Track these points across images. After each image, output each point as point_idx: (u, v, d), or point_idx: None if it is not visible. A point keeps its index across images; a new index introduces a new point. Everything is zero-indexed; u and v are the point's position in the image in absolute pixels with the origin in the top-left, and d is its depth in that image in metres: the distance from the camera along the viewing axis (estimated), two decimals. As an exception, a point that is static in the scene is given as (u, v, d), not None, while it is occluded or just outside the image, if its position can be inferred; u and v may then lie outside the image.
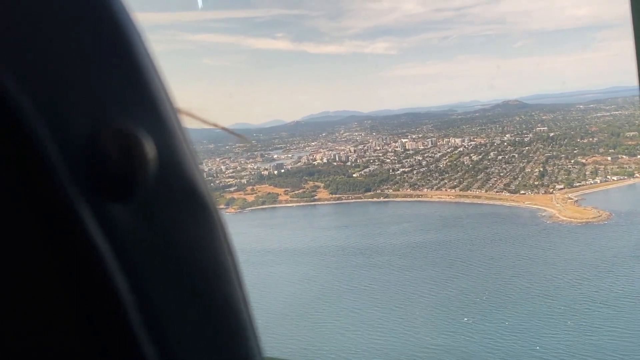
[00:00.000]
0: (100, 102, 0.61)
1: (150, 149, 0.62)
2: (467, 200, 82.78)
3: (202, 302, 0.69)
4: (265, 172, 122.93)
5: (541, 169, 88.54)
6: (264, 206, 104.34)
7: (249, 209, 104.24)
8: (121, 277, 0.58)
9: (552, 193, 76.10)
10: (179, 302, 0.66)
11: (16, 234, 0.54)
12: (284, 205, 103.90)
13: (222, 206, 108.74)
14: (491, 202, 79.71)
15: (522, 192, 79.44)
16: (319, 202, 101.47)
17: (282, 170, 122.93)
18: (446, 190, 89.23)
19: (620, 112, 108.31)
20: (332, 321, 51.55)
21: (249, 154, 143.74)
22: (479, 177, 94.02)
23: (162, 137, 0.65)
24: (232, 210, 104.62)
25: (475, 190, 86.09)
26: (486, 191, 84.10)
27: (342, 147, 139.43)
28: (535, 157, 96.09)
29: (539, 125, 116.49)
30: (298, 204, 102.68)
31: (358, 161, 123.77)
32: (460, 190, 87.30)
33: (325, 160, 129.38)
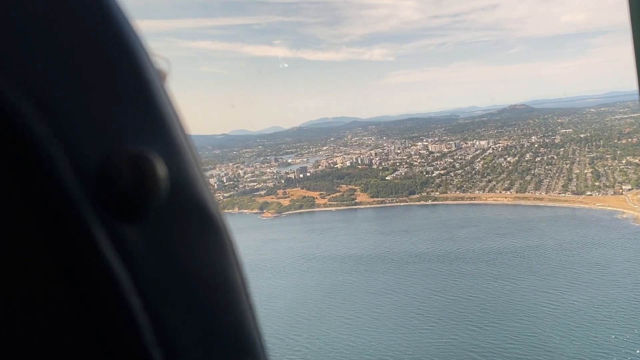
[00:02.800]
0: (112, 124, 0.61)
1: (161, 169, 0.62)
2: (528, 203, 78.32)
3: (212, 321, 0.70)
4: (291, 176, 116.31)
5: (591, 170, 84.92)
6: (301, 210, 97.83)
7: (286, 213, 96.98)
8: (135, 297, 0.58)
9: (621, 194, 72.13)
10: (191, 321, 0.66)
11: (31, 256, 0.55)
12: (322, 209, 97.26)
13: (256, 211, 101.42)
14: (555, 204, 75.40)
15: (588, 193, 75.29)
16: (360, 206, 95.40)
17: (308, 174, 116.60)
18: (500, 192, 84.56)
19: (638, 114, 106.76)
20: (454, 337, 45.65)
21: (262, 158, 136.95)
22: (526, 178, 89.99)
23: (173, 157, 0.66)
24: (269, 214, 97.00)
25: (532, 192, 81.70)
26: (546, 193, 79.70)
27: (358, 151, 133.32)
28: (578, 158, 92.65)
29: (559, 127, 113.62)
30: (338, 207, 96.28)
31: (383, 164, 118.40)
32: (516, 192, 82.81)
33: (348, 163, 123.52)
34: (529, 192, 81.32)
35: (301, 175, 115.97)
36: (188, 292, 0.66)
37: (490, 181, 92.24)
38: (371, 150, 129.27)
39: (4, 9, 0.55)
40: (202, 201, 0.69)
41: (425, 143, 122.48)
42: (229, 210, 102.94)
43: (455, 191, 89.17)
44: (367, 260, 67.09)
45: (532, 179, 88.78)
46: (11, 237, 0.54)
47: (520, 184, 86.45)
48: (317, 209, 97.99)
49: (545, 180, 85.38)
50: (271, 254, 74.73)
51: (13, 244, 0.54)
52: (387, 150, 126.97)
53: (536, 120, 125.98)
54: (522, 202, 79.04)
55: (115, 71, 0.63)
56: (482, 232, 69.22)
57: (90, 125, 0.58)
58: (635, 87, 1.92)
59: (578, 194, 76.11)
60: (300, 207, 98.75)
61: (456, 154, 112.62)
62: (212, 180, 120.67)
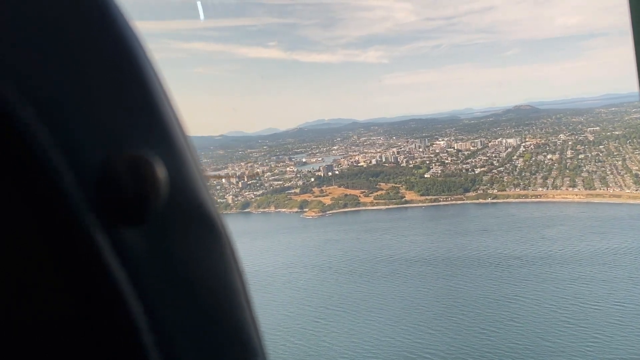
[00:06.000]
0: (113, 127, 0.58)
1: (162, 173, 0.59)
2: (603, 200, 72.42)
3: (212, 324, 0.67)
4: (320, 174, 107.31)
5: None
6: (346, 209, 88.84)
7: (330, 212, 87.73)
8: (135, 301, 0.56)
9: None
10: (191, 324, 0.64)
11: (32, 262, 0.52)
12: (370, 208, 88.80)
13: (295, 209, 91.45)
14: (636, 201, 69.68)
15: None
16: (411, 205, 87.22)
17: (336, 172, 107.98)
18: (567, 189, 78.39)
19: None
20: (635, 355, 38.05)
21: (275, 157, 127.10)
22: (583, 174, 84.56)
23: (173, 160, 0.63)
24: (313, 213, 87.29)
25: (602, 189, 75.96)
26: (621, 189, 74.09)
27: (373, 150, 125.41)
28: (628, 155, 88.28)
29: (579, 126, 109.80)
30: (387, 206, 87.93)
31: (412, 162, 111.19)
32: (585, 189, 76.86)
33: (374, 162, 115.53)
34: (599, 189, 75.45)
35: (329, 174, 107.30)
36: (189, 295, 0.64)
37: (545, 178, 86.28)
38: (386, 149, 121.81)
39: (3, 10, 0.52)
40: (202, 204, 0.67)
41: (449, 141, 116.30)
42: (265, 209, 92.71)
43: (514, 189, 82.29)
44: (461, 263, 58.91)
45: (590, 176, 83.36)
46: (11, 241, 0.51)
47: (583, 181, 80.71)
48: (364, 208, 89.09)
49: (610, 176, 79.92)
50: (341, 256, 65.45)
51: (13, 249, 0.52)
52: (409, 148, 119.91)
53: (549, 119, 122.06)
54: (596, 200, 73.17)
55: (116, 73, 0.60)
56: (575, 231, 62.57)
57: (91, 128, 0.56)
58: (636, 88, 1.77)
59: (658, 191, 70.91)
60: (345, 205, 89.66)
61: (487, 152, 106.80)
62: (234, 180, 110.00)
